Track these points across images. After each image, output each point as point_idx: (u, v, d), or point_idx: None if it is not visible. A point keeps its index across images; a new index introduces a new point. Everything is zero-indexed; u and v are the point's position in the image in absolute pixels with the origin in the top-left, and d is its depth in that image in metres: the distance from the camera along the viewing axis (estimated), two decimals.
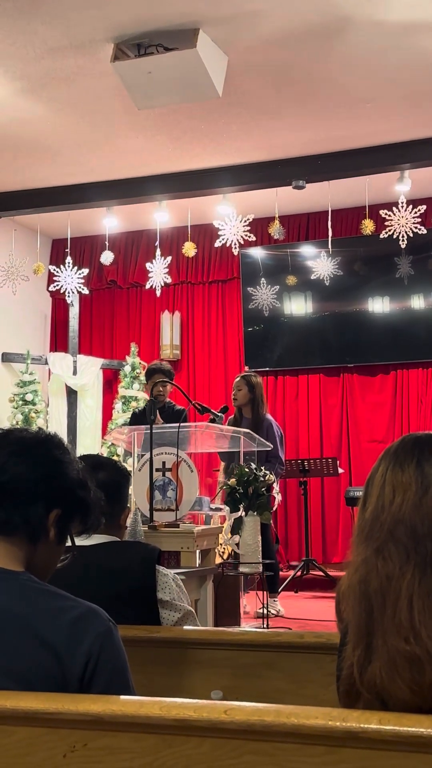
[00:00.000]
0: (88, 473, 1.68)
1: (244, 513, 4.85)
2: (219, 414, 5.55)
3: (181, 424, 4.83)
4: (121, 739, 1.32)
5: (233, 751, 1.27)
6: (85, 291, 7.99)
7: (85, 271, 7.86)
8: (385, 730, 1.20)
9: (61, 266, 7.80)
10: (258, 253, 8.73)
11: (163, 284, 7.49)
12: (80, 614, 1.49)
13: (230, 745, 1.27)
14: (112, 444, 8.02)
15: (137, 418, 6.57)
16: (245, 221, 6.93)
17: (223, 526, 5.32)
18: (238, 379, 6.70)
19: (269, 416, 6.70)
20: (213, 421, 5.38)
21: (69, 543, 1.67)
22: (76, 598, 1.53)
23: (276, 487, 6.06)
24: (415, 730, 1.19)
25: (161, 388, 6.30)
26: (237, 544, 4.87)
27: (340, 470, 7.89)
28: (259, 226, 7.55)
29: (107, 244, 7.68)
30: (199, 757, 1.29)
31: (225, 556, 5.65)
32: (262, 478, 4.87)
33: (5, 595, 1.49)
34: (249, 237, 6.97)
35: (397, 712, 1.28)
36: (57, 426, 8.78)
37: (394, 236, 6.67)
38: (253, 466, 4.99)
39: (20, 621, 1.46)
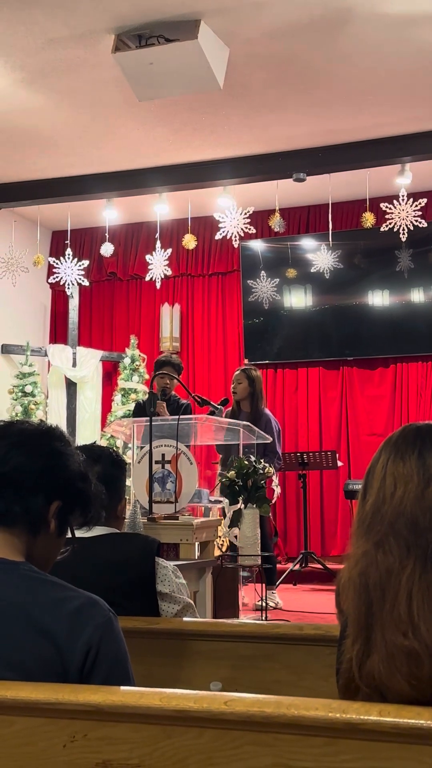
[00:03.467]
0: (89, 466, 1.68)
1: (243, 505, 4.86)
2: (218, 406, 5.55)
3: (181, 417, 4.82)
4: (120, 729, 1.32)
5: (233, 741, 1.27)
6: (85, 283, 7.98)
7: (85, 263, 7.85)
8: (385, 721, 1.20)
9: (61, 258, 7.79)
10: (258, 245, 8.72)
11: (163, 276, 7.49)
12: (81, 604, 1.49)
13: (230, 736, 1.28)
14: (112, 436, 8.02)
15: (141, 409, 6.56)
16: (245, 214, 6.92)
17: (221, 519, 5.32)
18: (237, 372, 6.71)
19: (267, 411, 6.71)
20: (212, 413, 5.38)
21: (69, 535, 1.67)
22: (76, 589, 1.53)
23: (275, 479, 6.07)
24: (414, 722, 1.19)
25: (168, 381, 6.29)
26: (236, 537, 4.87)
27: (339, 463, 7.89)
28: (259, 219, 7.54)
29: (107, 236, 7.67)
30: (199, 748, 1.29)
31: (224, 549, 5.66)
32: (261, 471, 4.87)
33: (5, 585, 1.49)
34: (249, 229, 6.96)
35: (396, 704, 1.28)
36: (56, 418, 8.79)
37: (395, 229, 6.66)
38: (253, 458, 4.99)
39: (20, 611, 1.46)
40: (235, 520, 4.90)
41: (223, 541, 5.68)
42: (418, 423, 1.56)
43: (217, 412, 5.47)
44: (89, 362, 9.14)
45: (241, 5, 4.81)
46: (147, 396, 6.96)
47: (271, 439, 6.21)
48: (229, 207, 7.02)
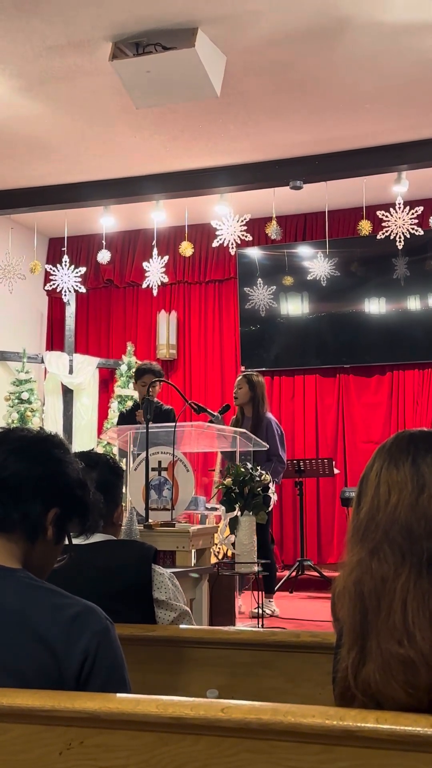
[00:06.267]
0: (86, 473, 1.68)
1: (239, 513, 4.85)
2: (216, 414, 5.55)
3: (178, 424, 4.83)
4: (117, 736, 1.32)
5: (229, 749, 1.27)
6: (82, 290, 7.98)
7: (82, 270, 7.85)
8: (382, 728, 1.20)
9: (58, 265, 7.79)
10: (255, 253, 8.73)
11: (159, 284, 7.49)
12: (78, 612, 1.49)
13: (226, 743, 1.27)
14: (108, 443, 8.02)
15: (124, 419, 6.58)
16: (242, 221, 6.93)
17: (218, 526, 5.32)
18: (239, 378, 6.72)
19: (269, 415, 6.70)
20: (211, 421, 5.38)
21: (66, 543, 1.67)
22: (73, 596, 1.53)
23: (272, 487, 6.06)
24: (411, 729, 1.19)
25: (151, 389, 6.30)
26: (233, 544, 4.87)
27: (336, 471, 7.89)
28: (256, 226, 7.55)
29: (104, 243, 7.67)
30: (195, 755, 1.28)
31: (220, 556, 5.65)
32: (258, 478, 4.87)
33: (2, 592, 1.49)
34: (246, 237, 6.97)
35: (393, 711, 1.27)
36: (53, 425, 8.78)
37: (391, 237, 6.68)
38: (249, 465, 4.99)
39: (17, 617, 1.46)
40: (232, 528, 4.89)
41: (219, 548, 5.68)
42: (411, 430, 1.55)
43: (215, 420, 5.48)
44: (86, 369, 9.14)
45: (239, 13, 4.83)
46: (132, 405, 6.99)
47: (270, 445, 6.22)
48: (226, 214, 7.03)
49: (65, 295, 8.08)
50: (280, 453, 6.50)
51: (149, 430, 4.68)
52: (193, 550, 4.33)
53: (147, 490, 4.59)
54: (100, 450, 8.10)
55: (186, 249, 7.28)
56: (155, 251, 7.45)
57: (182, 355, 9.29)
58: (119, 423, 6.65)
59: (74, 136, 6.53)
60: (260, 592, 5.53)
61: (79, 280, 7.79)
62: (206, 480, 7.05)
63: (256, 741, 1.26)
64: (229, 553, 5.48)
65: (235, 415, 6.64)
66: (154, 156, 6.89)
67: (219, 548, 5.73)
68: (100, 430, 9.01)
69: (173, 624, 2.36)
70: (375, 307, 8.46)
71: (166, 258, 7.47)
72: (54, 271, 7.79)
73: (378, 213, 6.74)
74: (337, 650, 1.46)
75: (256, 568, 4.95)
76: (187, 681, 2.16)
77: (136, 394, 8.73)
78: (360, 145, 6.65)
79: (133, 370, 8.79)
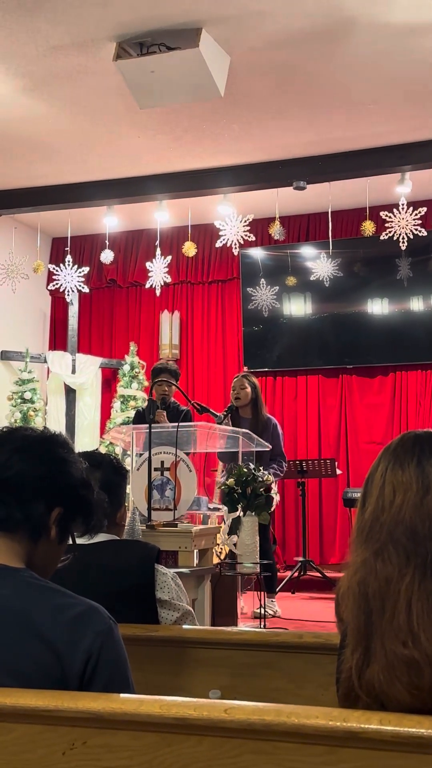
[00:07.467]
0: (90, 473, 1.68)
1: (242, 513, 4.85)
2: (219, 414, 5.55)
3: (181, 424, 4.82)
4: (120, 737, 1.32)
5: (233, 750, 1.27)
6: (85, 290, 7.98)
7: (85, 269, 7.85)
8: (386, 730, 1.20)
9: (61, 265, 7.79)
10: (258, 253, 8.73)
11: (162, 284, 7.49)
12: (81, 612, 1.49)
13: (230, 744, 1.27)
14: (110, 443, 8.02)
15: (141, 417, 6.55)
16: (245, 221, 6.93)
17: (220, 526, 5.31)
18: (239, 378, 6.65)
19: (271, 416, 6.69)
20: (218, 422, 5.38)
21: (70, 542, 1.67)
22: (76, 596, 1.53)
23: (274, 487, 6.06)
24: (415, 731, 1.19)
25: (166, 388, 6.28)
26: (235, 545, 4.86)
27: (338, 471, 7.88)
28: (259, 227, 7.55)
29: (107, 243, 7.67)
30: (199, 756, 1.29)
31: (222, 556, 5.65)
32: (260, 479, 4.87)
33: (6, 591, 1.49)
34: (249, 237, 6.97)
35: (397, 713, 1.27)
36: (55, 424, 8.77)
37: (395, 238, 6.67)
38: (252, 466, 4.99)
39: (20, 617, 1.46)
40: (234, 528, 4.89)
41: (221, 548, 5.68)
42: (416, 431, 1.56)
43: (219, 419, 5.47)
44: (88, 369, 9.14)
45: (243, 14, 4.83)
46: (147, 403, 6.97)
47: (276, 445, 6.23)
48: (229, 215, 7.02)
49: (68, 294, 8.08)
50: (283, 452, 6.52)
51: (155, 430, 4.68)
52: (195, 551, 4.33)
53: (150, 490, 4.59)
54: (102, 450, 8.11)
55: (189, 249, 7.28)
56: (158, 251, 7.44)
57: (185, 355, 9.29)
58: (135, 421, 6.62)
59: (78, 135, 6.54)
60: (262, 593, 5.52)
61: (82, 279, 7.79)
62: (209, 480, 7.05)
63: (260, 742, 1.26)
64: (225, 550, 5.48)
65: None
66: (157, 156, 6.89)
67: (221, 548, 5.73)
68: (102, 429, 9.01)
69: (176, 624, 2.36)
70: (378, 307, 8.46)
71: (169, 258, 7.47)
72: (57, 270, 7.79)
73: (381, 214, 6.73)
74: (341, 651, 1.46)
75: (257, 569, 4.95)
76: (190, 681, 2.16)
77: (139, 394, 8.75)
78: (363, 146, 6.65)
79: (136, 369, 8.83)
